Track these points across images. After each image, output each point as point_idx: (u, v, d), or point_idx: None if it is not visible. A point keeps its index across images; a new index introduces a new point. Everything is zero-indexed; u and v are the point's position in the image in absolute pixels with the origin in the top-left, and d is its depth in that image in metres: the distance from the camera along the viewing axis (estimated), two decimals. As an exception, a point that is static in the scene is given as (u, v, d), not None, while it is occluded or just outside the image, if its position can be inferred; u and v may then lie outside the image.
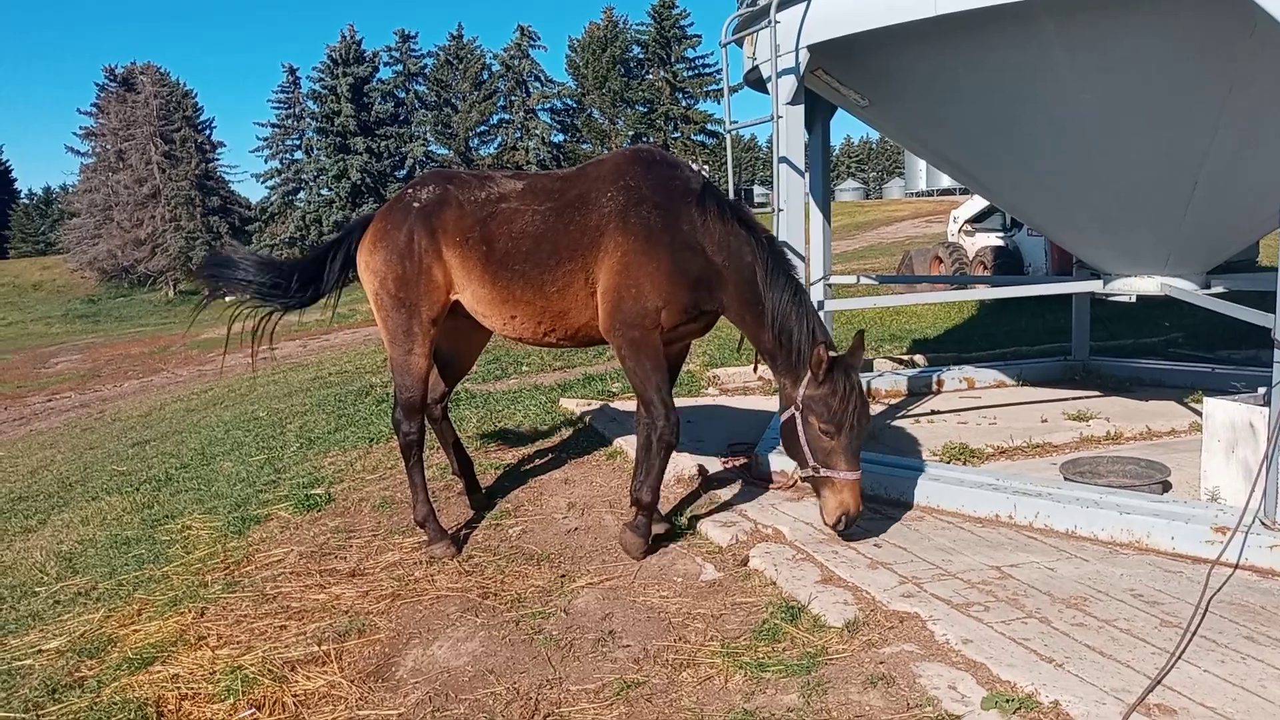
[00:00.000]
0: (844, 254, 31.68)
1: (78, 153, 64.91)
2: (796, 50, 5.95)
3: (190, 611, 4.84)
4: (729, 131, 6.92)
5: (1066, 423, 7.47)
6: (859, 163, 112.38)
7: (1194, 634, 3.80)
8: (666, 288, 4.88)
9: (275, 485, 7.05)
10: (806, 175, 6.46)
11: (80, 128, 64.47)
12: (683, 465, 6.40)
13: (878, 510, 5.58)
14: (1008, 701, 3.35)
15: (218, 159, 65.27)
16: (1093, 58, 5.32)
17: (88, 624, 4.92)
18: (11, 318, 53.51)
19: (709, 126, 66.22)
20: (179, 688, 4.07)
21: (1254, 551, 4.49)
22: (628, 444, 6.50)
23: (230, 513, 6.45)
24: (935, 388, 9.05)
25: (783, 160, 6.13)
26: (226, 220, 61.08)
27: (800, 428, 4.74)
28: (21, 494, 9.65)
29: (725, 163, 9.87)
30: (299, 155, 61.09)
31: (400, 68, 64.11)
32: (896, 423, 7.83)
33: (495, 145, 65.89)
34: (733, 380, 9.57)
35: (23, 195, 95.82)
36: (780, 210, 6.17)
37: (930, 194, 58.06)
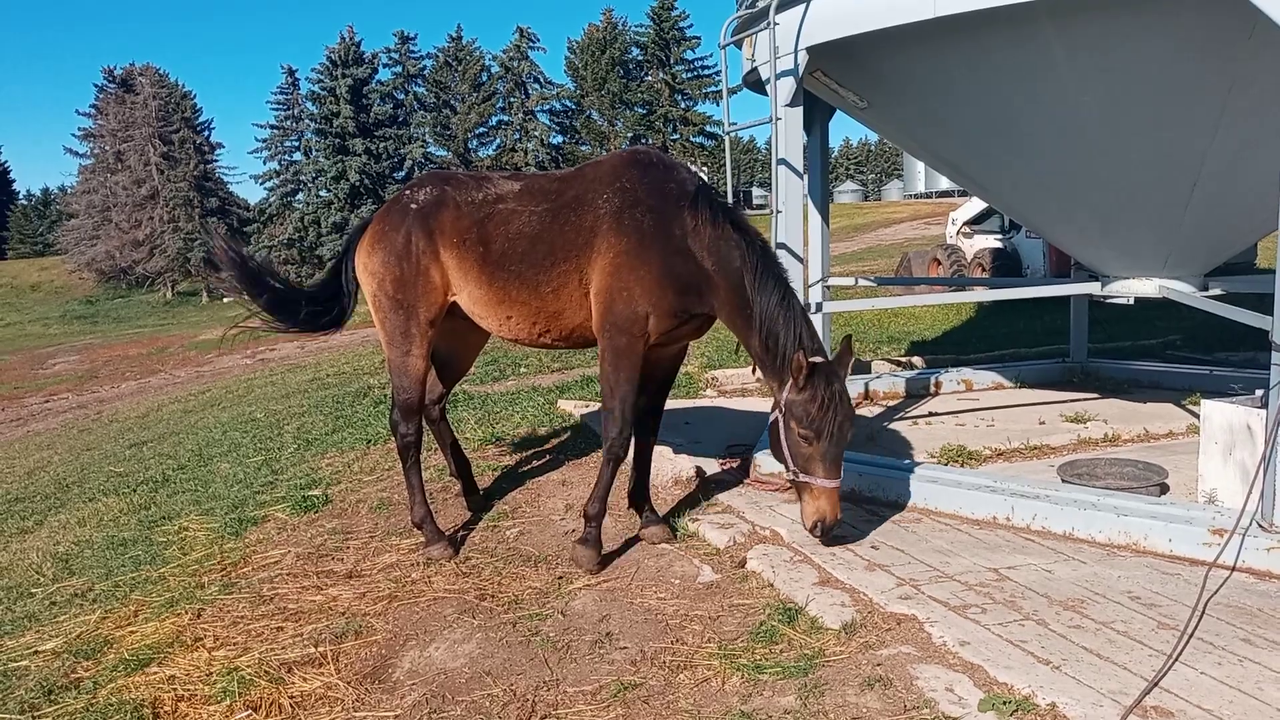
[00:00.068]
0: (842, 256, 31.70)
1: (76, 154, 64.98)
2: (795, 52, 5.95)
3: (187, 613, 4.83)
4: (728, 133, 6.92)
5: (1064, 425, 7.47)
6: (857, 164, 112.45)
7: (1191, 636, 3.80)
8: (656, 291, 4.87)
9: (272, 487, 7.05)
10: (805, 177, 6.47)
11: (79, 129, 64.53)
12: (681, 467, 6.39)
13: (875, 512, 5.58)
14: (1005, 704, 3.35)
15: (216, 160, 65.27)
16: (1092, 58, 5.32)
17: (84, 625, 4.91)
18: (9, 319, 53.48)
19: (708, 128, 66.18)
20: (175, 689, 4.06)
21: (1251, 554, 4.49)
22: (625, 445, 6.49)
23: (227, 514, 6.44)
24: (933, 389, 9.05)
25: (781, 162, 6.13)
26: (225, 221, 60.94)
27: (782, 432, 4.71)
28: (18, 495, 9.64)
29: (724, 164, 9.88)
30: (298, 156, 61.01)
31: (399, 69, 64.06)
32: (894, 424, 7.83)
33: (494, 147, 65.85)
34: (731, 382, 9.56)
35: (21, 196, 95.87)
36: (779, 212, 6.17)
37: (929, 196, 58.08)
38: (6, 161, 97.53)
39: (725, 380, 9.63)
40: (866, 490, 5.82)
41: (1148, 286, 6.82)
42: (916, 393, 8.98)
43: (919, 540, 5.10)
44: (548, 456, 7.13)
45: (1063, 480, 5.92)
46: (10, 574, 6.27)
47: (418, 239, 5.21)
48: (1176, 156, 5.81)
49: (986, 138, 6.54)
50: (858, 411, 8.36)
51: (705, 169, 63.49)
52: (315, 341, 25.62)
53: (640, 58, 68.45)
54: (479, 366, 10.98)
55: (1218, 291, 6.84)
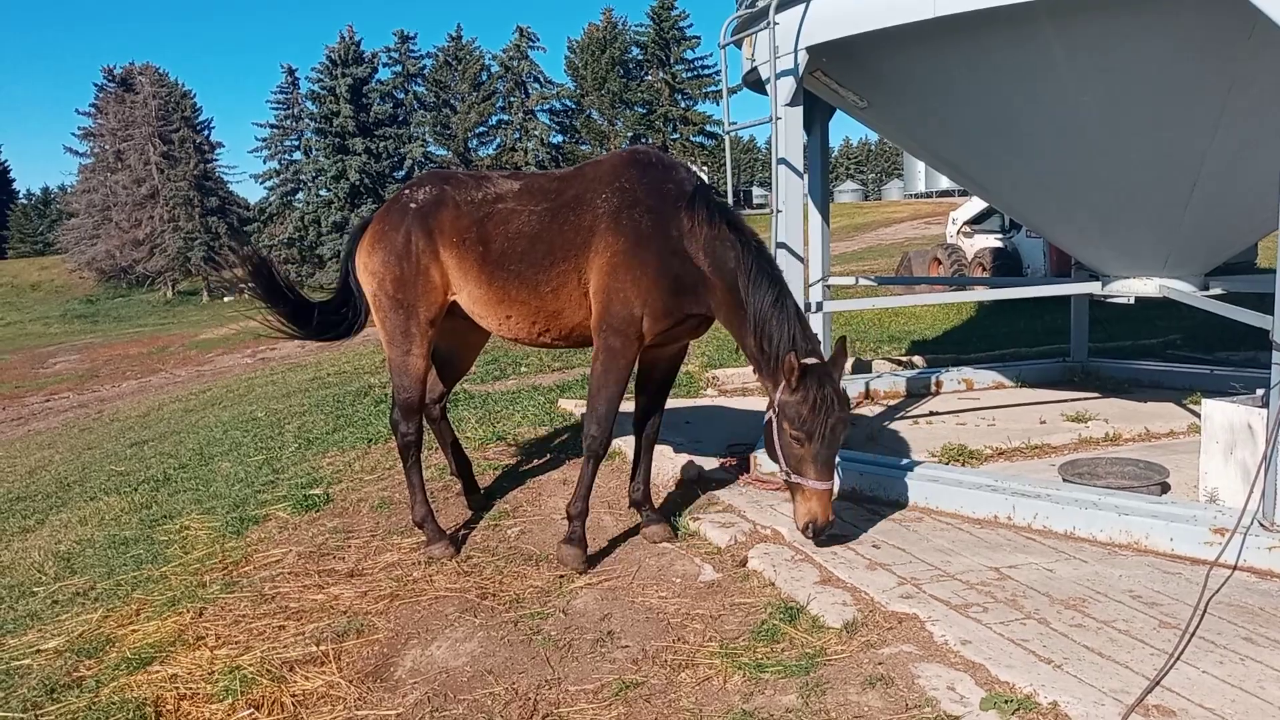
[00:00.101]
0: (843, 255, 31.68)
1: (76, 153, 64.94)
2: (795, 52, 5.95)
3: (189, 612, 4.84)
4: (728, 133, 6.92)
5: (1065, 424, 7.47)
6: (858, 164, 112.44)
7: (1192, 635, 3.80)
8: (651, 293, 4.88)
9: (273, 486, 7.05)
10: (805, 176, 6.46)
11: (79, 128, 64.51)
12: (682, 466, 6.40)
13: (876, 511, 5.59)
14: (1006, 702, 3.35)
15: (216, 159, 65.20)
16: (1092, 58, 5.33)
17: (86, 624, 4.92)
18: (10, 318, 53.47)
19: (708, 128, 66.17)
20: (177, 688, 4.06)
21: (1252, 553, 4.50)
22: (626, 445, 6.50)
23: (228, 513, 6.44)
24: (934, 389, 9.05)
25: (781, 162, 6.13)
26: (225, 220, 61.03)
27: (775, 432, 4.70)
28: (20, 494, 9.64)
29: (724, 164, 9.89)
30: (298, 156, 60.99)
31: (399, 69, 64.05)
32: (895, 424, 7.83)
33: (494, 146, 65.84)
34: (731, 381, 9.57)
35: (21, 195, 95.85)
36: (779, 211, 6.16)
37: (929, 195, 58.10)
38: (6, 161, 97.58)
39: (726, 379, 9.63)
40: (868, 489, 5.82)
41: (1148, 286, 6.82)
42: (917, 392, 8.99)
43: (920, 539, 5.10)
44: (548, 455, 7.13)
45: (1064, 479, 5.92)
46: (12, 573, 6.27)
47: (417, 238, 5.21)
48: (1176, 156, 5.81)
49: (987, 137, 6.54)
50: (858, 411, 8.39)
51: (705, 168, 63.46)
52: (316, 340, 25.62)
53: (640, 57, 68.44)
54: (479, 366, 10.98)
55: (1218, 291, 6.85)
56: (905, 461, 6.10)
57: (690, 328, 5.27)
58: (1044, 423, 7.59)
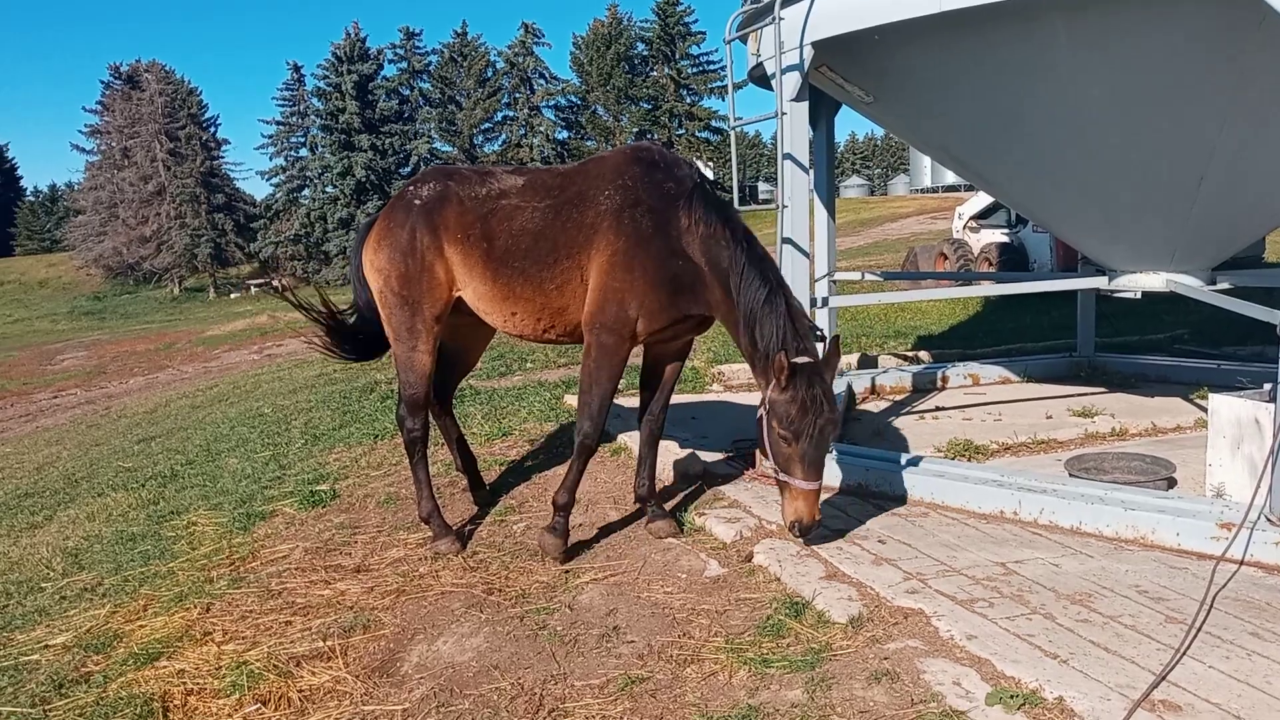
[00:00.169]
0: (849, 251, 31.64)
1: (83, 150, 65.17)
2: (800, 47, 5.94)
3: (196, 607, 4.85)
4: (733, 128, 6.90)
5: (1072, 419, 7.46)
6: (863, 159, 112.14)
7: (1199, 630, 3.80)
8: (648, 294, 4.88)
9: (280, 481, 7.07)
10: (811, 172, 6.46)
11: (85, 125, 64.66)
12: (687, 462, 6.41)
13: (882, 506, 5.58)
14: (1012, 697, 3.35)
15: (222, 156, 65.28)
16: (1099, 52, 5.30)
17: (94, 620, 4.94)
18: (17, 315, 53.66)
19: (713, 123, 66.04)
20: (185, 683, 4.08)
21: (1259, 548, 4.49)
22: (631, 440, 6.50)
23: (235, 509, 6.46)
24: (940, 384, 9.04)
25: (787, 157, 6.12)
26: (231, 217, 61.18)
27: (765, 430, 4.68)
28: (28, 490, 9.68)
29: (729, 159, 9.86)
30: (304, 152, 61.11)
31: (405, 65, 64.05)
32: (901, 419, 7.82)
33: (500, 142, 65.83)
34: (737, 377, 9.57)
35: (28, 193, 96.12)
36: (785, 207, 6.16)
37: (935, 191, 57.94)
38: (14, 158, 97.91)
39: (731, 375, 9.63)
40: (873, 484, 5.82)
41: (1155, 281, 6.80)
42: (923, 387, 8.98)
43: (926, 534, 5.09)
44: (554, 451, 7.14)
45: (1070, 474, 5.91)
46: (20, 569, 6.30)
47: (422, 235, 5.22)
48: (1184, 150, 5.79)
49: (992, 132, 6.52)
50: (864, 406, 8.38)
51: (711, 164, 63.39)
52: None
53: (645, 53, 68.31)
54: (485, 362, 10.99)
55: (1226, 285, 6.82)
56: (911, 457, 6.09)
57: (692, 325, 5.26)
58: (1050, 418, 7.58)
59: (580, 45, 69.88)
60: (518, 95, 65.32)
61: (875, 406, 8.35)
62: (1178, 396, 8.06)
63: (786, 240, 6.14)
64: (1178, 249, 6.63)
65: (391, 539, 5.62)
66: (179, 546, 5.93)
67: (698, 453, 6.55)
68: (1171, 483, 5.82)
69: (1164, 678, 3.44)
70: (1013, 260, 17.20)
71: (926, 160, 46.70)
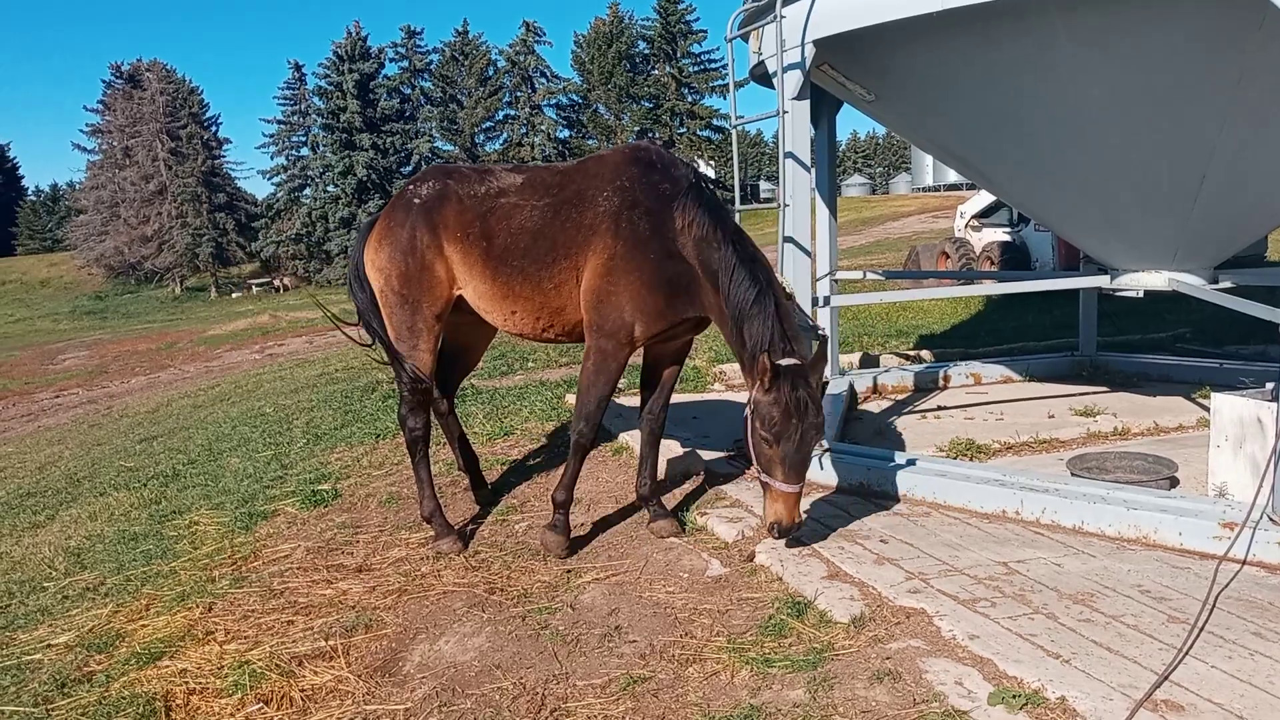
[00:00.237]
0: (850, 249, 31.63)
1: (84, 150, 65.20)
2: (802, 45, 5.94)
3: (198, 607, 4.86)
4: (735, 127, 6.91)
5: (1074, 418, 7.45)
6: (865, 158, 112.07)
7: (1201, 630, 3.79)
8: (644, 298, 4.88)
9: (282, 481, 7.07)
10: (812, 170, 6.46)
11: (87, 125, 64.66)
12: (689, 461, 6.40)
13: (884, 506, 5.58)
14: (1014, 697, 3.35)
15: (224, 155, 65.33)
16: (1099, 52, 5.30)
17: (96, 619, 4.94)
18: (19, 314, 53.71)
19: (715, 122, 65.95)
20: (187, 682, 4.08)
21: (1262, 547, 4.48)
22: (632, 439, 6.50)
23: (237, 508, 6.47)
24: (942, 383, 9.04)
25: (788, 155, 6.12)
26: (232, 217, 61.21)
27: (749, 431, 4.67)
28: (30, 490, 9.69)
29: (731, 158, 9.86)
30: (305, 151, 61.11)
31: (406, 64, 64.04)
32: (903, 418, 7.82)
33: (501, 141, 65.80)
34: (739, 376, 9.54)
35: (30, 192, 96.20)
36: (786, 205, 6.16)
37: (937, 189, 57.91)
38: (15, 158, 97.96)
39: (733, 374, 9.62)
40: (875, 484, 5.82)
41: (1157, 279, 6.80)
42: (925, 386, 8.97)
43: (928, 534, 5.09)
44: (556, 451, 7.14)
45: (1072, 474, 5.91)
46: (23, 568, 6.30)
47: (422, 234, 5.22)
48: (1185, 149, 5.78)
49: (994, 131, 6.52)
50: (865, 406, 8.38)
51: (712, 163, 63.37)
52: (323, 336, 25.70)
53: (647, 51, 68.25)
54: (486, 361, 10.99)
55: (1228, 284, 6.82)
56: (913, 456, 6.09)
57: (690, 325, 5.26)
58: (1052, 417, 7.57)
59: (581, 44, 69.85)
60: (519, 94, 65.30)
61: (877, 406, 8.35)
62: (1180, 396, 8.06)
63: (788, 239, 6.14)
64: (1179, 248, 6.63)
65: (393, 538, 5.62)
66: (181, 546, 5.94)
67: (699, 452, 6.55)
68: (1174, 482, 5.81)
69: (1166, 677, 3.44)
70: (1015, 259, 17.19)
71: (928, 159, 46.70)
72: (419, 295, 5.25)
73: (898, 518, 5.38)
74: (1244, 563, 4.44)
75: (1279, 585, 4.27)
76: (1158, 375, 8.89)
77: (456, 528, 5.54)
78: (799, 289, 5.83)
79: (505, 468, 6.81)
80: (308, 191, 59.90)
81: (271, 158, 61.80)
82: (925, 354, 10.58)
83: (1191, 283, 6.62)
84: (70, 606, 5.24)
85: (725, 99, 62.06)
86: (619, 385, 9.07)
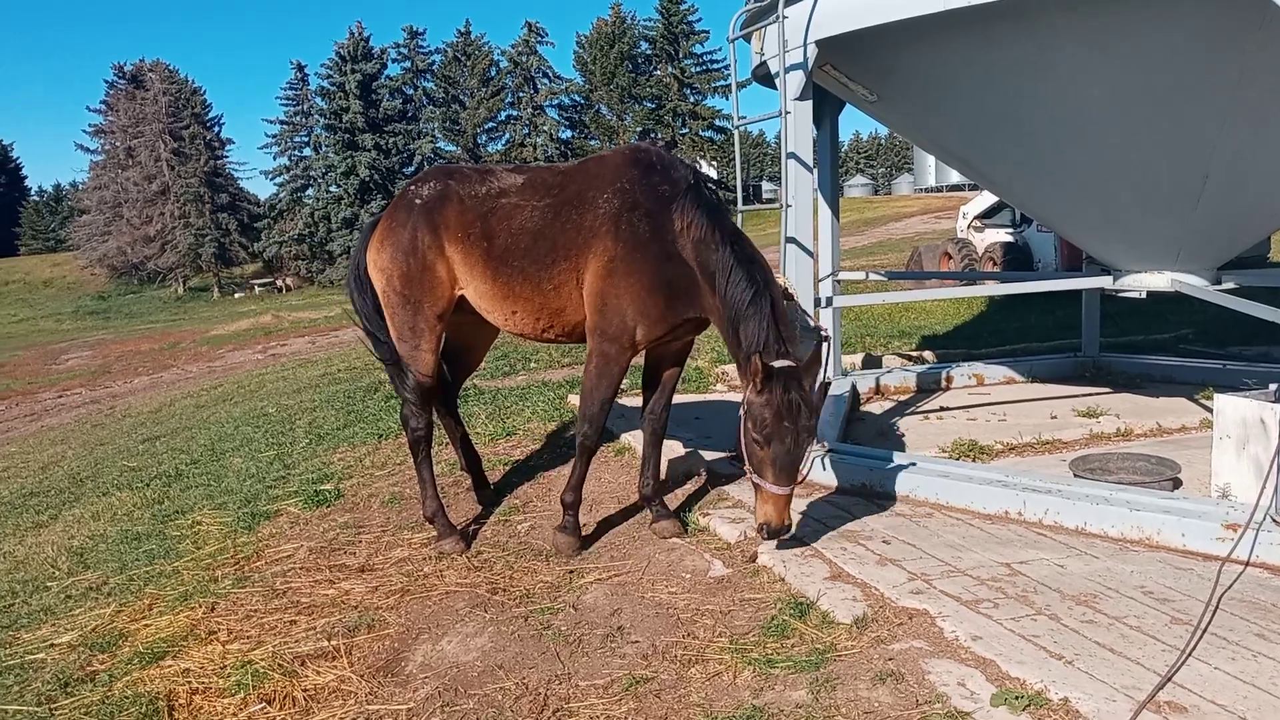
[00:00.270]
0: (852, 250, 31.63)
1: (87, 150, 65.33)
2: (804, 45, 5.94)
3: (201, 606, 4.86)
4: (737, 127, 6.91)
5: (1076, 419, 7.45)
6: (867, 158, 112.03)
7: (1205, 631, 3.79)
8: (646, 301, 4.88)
9: (285, 481, 7.08)
10: (815, 171, 6.46)
11: (90, 125, 64.97)
12: (691, 462, 6.40)
13: (886, 507, 5.58)
14: (1017, 698, 3.34)
15: (226, 156, 65.49)
16: (1099, 52, 5.30)
17: (99, 619, 4.95)
18: (22, 314, 53.81)
19: (717, 122, 65.98)
20: (190, 682, 4.09)
21: (1265, 549, 4.47)
22: (635, 440, 6.50)
23: (240, 508, 6.47)
24: (944, 384, 9.03)
25: (791, 156, 6.12)
26: (235, 217, 61.31)
27: (741, 431, 4.65)
28: (33, 489, 9.70)
29: (733, 159, 9.87)
30: (307, 152, 61.24)
31: (408, 64, 64.12)
32: (906, 419, 7.82)
33: (503, 142, 65.87)
34: (741, 376, 9.54)
35: (33, 192, 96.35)
36: (788, 206, 6.16)
37: (939, 190, 57.92)
38: (19, 158, 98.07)
39: (735, 375, 9.61)
40: (878, 485, 5.81)
41: (1160, 280, 6.79)
42: (928, 387, 8.97)
43: (930, 535, 5.09)
44: (558, 451, 7.14)
45: (1075, 475, 5.90)
46: (26, 568, 6.31)
47: (423, 234, 5.23)
48: (1186, 150, 5.78)
49: (995, 131, 6.51)
50: (868, 406, 8.38)
51: (714, 164, 63.37)
52: (326, 336, 25.72)
53: (649, 52, 68.29)
54: (489, 361, 10.99)
55: (1231, 285, 6.81)
56: (915, 457, 6.08)
57: (691, 327, 5.26)
58: (1055, 418, 7.57)
59: (584, 44, 69.90)
60: (521, 94, 65.36)
61: (880, 406, 8.35)
62: (1183, 397, 8.05)
63: (790, 239, 6.14)
64: (1182, 249, 6.62)
65: (396, 539, 5.62)
66: (184, 546, 5.94)
67: (702, 452, 6.55)
68: (1177, 483, 5.80)
69: (1169, 679, 3.43)
70: (1017, 260, 17.17)
71: (930, 159, 46.67)
72: (421, 295, 5.25)
73: (900, 518, 5.38)
74: (1247, 564, 4.43)
75: (1282, 586, 4.26)
76: (1161, 376, 8.87)
77: (459, 528, 5.54)
78: (801, 289, 5.83)
79: (508, 468, 6.81)
80: (310, 192, 60.02)
81: (274, 158, 61.97)
82: (928, 355, 10.57)
83: (1194, 283, 6.61)
84: (73, 606, 5.25)
85: (727, 99, 62.14)
86: (621, 387, 9.08)
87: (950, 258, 19.03)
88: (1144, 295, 7.02)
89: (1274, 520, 4.53)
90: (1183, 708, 3.27)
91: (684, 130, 66.51)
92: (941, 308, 15.14)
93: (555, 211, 5.09)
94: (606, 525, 5.60)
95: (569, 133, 67.11)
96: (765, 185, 77.72)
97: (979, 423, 7.54)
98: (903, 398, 8.68)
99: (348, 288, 5.82)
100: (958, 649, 3.78)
